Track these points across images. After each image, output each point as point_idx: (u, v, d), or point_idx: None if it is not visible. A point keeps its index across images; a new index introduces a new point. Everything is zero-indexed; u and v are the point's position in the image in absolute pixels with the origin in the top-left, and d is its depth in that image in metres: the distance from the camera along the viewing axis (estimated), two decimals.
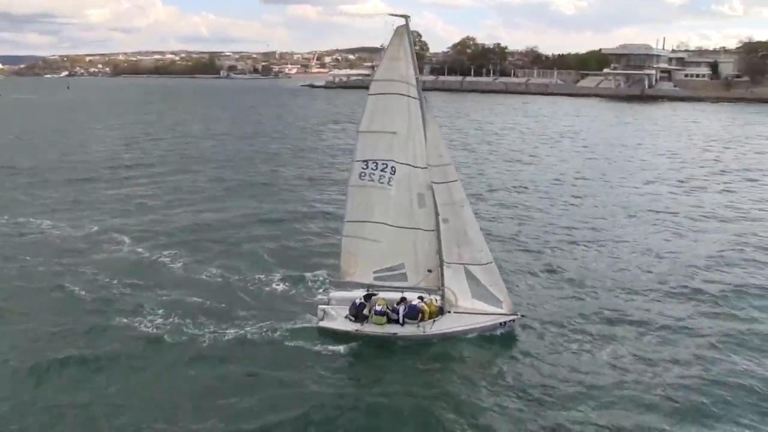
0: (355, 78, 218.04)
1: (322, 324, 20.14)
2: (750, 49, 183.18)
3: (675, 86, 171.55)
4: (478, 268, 19.63)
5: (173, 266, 27.51)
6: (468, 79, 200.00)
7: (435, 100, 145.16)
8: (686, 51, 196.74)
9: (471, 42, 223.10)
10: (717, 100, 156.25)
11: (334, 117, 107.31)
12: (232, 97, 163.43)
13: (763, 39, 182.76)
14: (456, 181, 19.06)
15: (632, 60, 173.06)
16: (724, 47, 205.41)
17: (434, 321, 19.70)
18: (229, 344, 19.95)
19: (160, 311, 22.16)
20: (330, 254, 26.05)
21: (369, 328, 19.75)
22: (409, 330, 19.56)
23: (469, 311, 20.02)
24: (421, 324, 19.57)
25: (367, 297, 20.28)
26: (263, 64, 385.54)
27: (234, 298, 23.44)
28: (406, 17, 17.83)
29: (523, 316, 20.93)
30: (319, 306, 20.82)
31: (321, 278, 24.65)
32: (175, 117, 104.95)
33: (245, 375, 18.28)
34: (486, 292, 19.94)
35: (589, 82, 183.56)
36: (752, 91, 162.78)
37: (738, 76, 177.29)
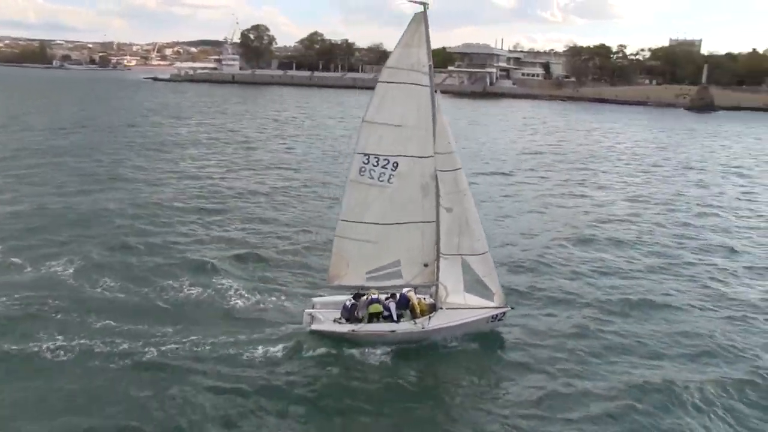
0: (201, 71, 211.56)
1: (315, 327, 18.84)
2: (574, 52, 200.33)
3: (514, 84, 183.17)
4: (474, 258, 19.24)
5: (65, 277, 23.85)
6: (317, 74, 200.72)
7: (285, 95, 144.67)
8: (522, 52, 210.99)
9: (319, 38, 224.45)
10: (550, 98, 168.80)
11: (199, 108, 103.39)
12: (72, 88, 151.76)
13: (584, 44, 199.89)
14: (460, 169, 18.68)
15: (475, 59, 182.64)
16: (553, 50, 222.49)
17: (430, 317, 18.92)
18: (203, 357, 18.17)
19: (60, 336, 18.81)
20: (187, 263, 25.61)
21: (365, 328, 18.70)
22: (407, 326, 18.75)
23: (460, 306, 19.43)
24: (417, 321, 18.81)
25: (357, 296, 19.18)
26: (100, 54, 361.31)
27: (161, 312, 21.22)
28: (424, 4, 17.23)
29: (512, 308, 20.70)
30: (306, 311, 19.34)
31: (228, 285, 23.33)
32: (13, 109, 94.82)
33: (231, 389, 16.84)
34: (479, 284, 19.61)
35: (435, 79, 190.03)
36: (578, 90, 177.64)
37: (567, 77, 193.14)
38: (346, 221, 18.68)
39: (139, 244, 28.07)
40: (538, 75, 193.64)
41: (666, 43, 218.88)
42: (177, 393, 16.31)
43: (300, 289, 23.38)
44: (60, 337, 18.57)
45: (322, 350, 18.42)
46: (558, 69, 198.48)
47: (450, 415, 16.22)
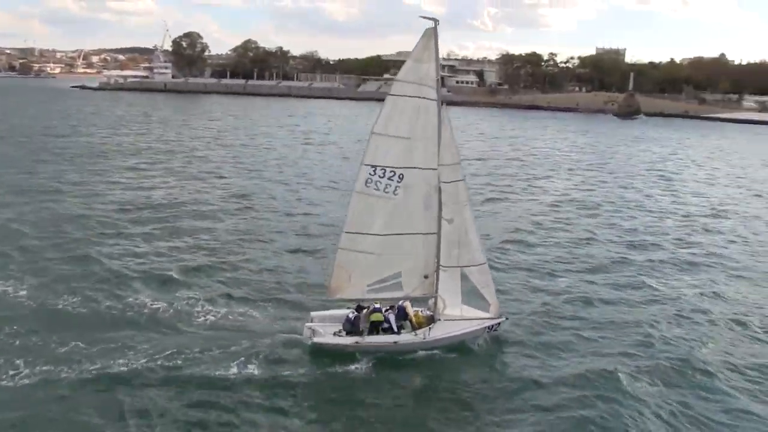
0: (132, 79, 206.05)
1: (318, 340, 18.92)
2: (507, 60, 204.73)
3: (449, 92, 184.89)
4: (473, 268, 19.88)
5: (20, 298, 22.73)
6: (251, 82, 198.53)
7: (221, 104, 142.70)
8: (456, 59, 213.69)
9: (253, 45, 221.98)
10: (485, 105, 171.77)
11: (133, 118, 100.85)
12: None
13: (516, 52, 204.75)
14: (463, 180, 19.30)
15: None
16: (486, 57, 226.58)
17: (430, 328, 19.36)
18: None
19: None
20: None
21: (367, 340, 19.00)
22: (408, 338, 19.15)
23: (458, 318, 20.00)
24: (418, 332, 19.23)
25: (359, 309, 19.56)
26: (21, 61, 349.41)
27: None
28: (435, 20, 17.53)
29: (507, 318, 21.29)
30: (305, 324, 19.41)
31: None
32: None
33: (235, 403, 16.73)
34: (476, 295, 20.30)
35: (369, 87, 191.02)
36: (511, 97, 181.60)
37: (500, 84, 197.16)
38: (351, 233, 18.82)
39: (95, 257, 27.42)
40: (472, 82, 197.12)
41: (593, 52, 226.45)
42: (157, 412, 16.05)
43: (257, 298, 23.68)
44: (20, 363, 17.79)
45: (320, 362, 18.51)
46: (491, 76, 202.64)
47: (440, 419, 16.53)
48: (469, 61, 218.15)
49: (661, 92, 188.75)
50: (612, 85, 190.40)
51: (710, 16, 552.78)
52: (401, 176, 18.12)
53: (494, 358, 19.90)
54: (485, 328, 20.29)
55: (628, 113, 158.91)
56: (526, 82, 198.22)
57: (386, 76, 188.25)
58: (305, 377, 17.86)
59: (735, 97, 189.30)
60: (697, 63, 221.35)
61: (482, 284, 20.13)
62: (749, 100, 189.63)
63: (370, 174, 18.29)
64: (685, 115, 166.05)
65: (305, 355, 18.89)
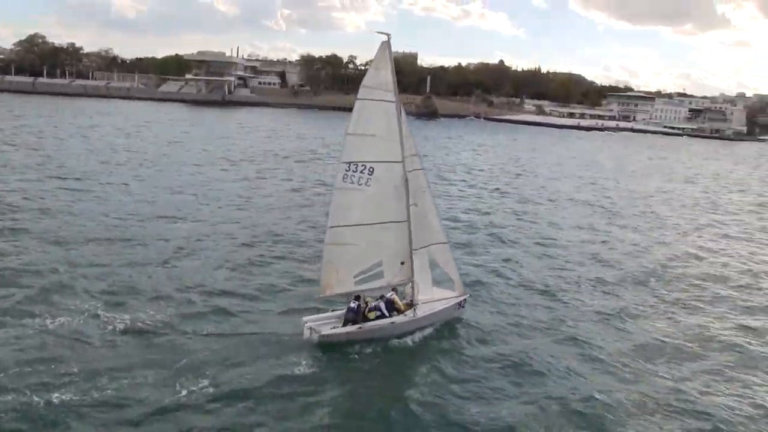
0: None
1: (325, 332, 19.85)
2: (308, 62, 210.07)
3: (252, 93, 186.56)
4: (436, 247, 21.92)
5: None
6: (41, 80, 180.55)
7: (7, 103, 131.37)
8: (258, 60, 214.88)
9: (40, 40, 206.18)
10: (288, 106, 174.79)
11: None
12: None
13: (309, 53, 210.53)
14: (422, 169, 21.35)
15: (213, 67, 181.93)
16: (286, 58, 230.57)
17: (414, 310, 21.19)
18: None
19: None
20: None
21: (368, 325, 20.33)
22: (401, 318, 20.87)
23: (431, 300, 21.87)
24: (407, 313, 21.05)
25: (357, 298, 20.79)
26: None
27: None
28: (388, 35, 19.50)
29: (470, 295, 23.43)
30: (306, 326, 20.04)
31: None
32: None
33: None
34: (442, 274, 22.59)
35: (170, 87, 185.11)
36: (313, 98, 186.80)
37: (302, 86, 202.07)
38: (334, 227, 20.16)
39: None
40: (274, 84, 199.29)
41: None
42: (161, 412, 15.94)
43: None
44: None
45: (319, 358, 19.15)
46: (293, 78, 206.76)
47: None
48: (272, 63, 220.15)
49: (453, 95, 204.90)
50: (409, 87, 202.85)
51: (487, 26, 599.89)
52: (372, 169, 19.72)
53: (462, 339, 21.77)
54: (456, 304, 22.44)
55: (427, 114, 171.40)
56: (327, 84, 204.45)
57: (188, 76, 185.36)
58: (310, 372, 18.45)
59: (517, 100, 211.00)
60: (484, 68, 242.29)
61: (445, 263, 22.34)
62: (529, 104, 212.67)
63: (346, 170, 19.80)
64: (476, 117, 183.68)
65: (307, 353, 19.37)
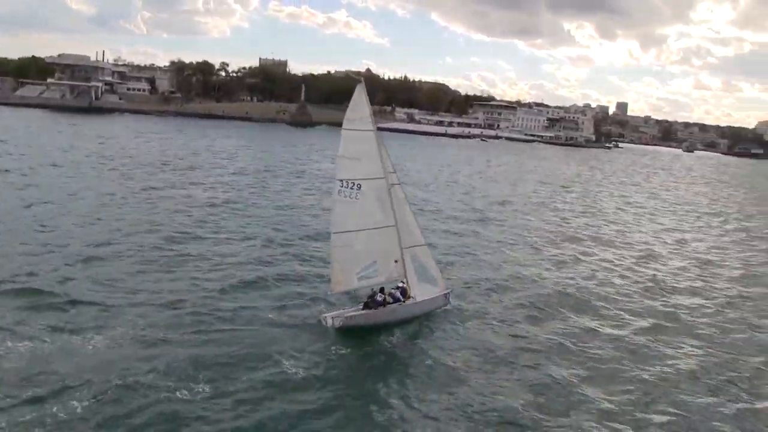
0: None
1: (349, 314, 23.28)
2: (179, 68, 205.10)
3: (120, 99, 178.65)
4: (417, 249, 25.44)
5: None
6: None
7: None
8: (126, 65, 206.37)
9: None
10: (160, 113, 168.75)
11: None
12: None
13: (171, 59, 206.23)
14: (399, 184, 24.98)
15: (78, 71, 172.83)
16: (154, 64, 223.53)
17: (415, 297, 24.92)
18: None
19: None
20: None
21: (384, 310, 23.90)
22: (409, 303, 24.68)
23: (423, 293, 25.49)
24: (409, 301, 24.69)
25: (381, 290, 24.19)
26: None
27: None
28: (361, 80, 23.50)
29: (452, 290, 26.88)
30: (328, 316, 23.17)
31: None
32: None
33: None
34: (425, 271, 25.68)
35: (30, 92, 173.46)
36: (184, 105, 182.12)
37: (173, 92, 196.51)
38: (335, 232, 23.52)
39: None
40: (144, 90, 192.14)
41: (256, 62, 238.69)
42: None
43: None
44: None
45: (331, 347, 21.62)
46: (164, 84, 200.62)
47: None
48: (140, 68, 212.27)
49: (326, 102, 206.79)
50: (281, 95, 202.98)
51: (352, 35, 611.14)
52: (359, 185, 23.35)
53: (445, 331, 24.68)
54: (443, 296, 26.16)
55: (303, 122, 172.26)
56: (198, 91, 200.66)
57: (50, 80, 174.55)
58: (326, 360, 20.85)
59: (389, 108, 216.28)
60: (355, 76, 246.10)
61: (427, 261, 25.86)
62: (400, 112, 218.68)
63: (340, 186, 23.47)
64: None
65: (325, 341, 22.09)
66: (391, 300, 24.33)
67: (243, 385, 18.65)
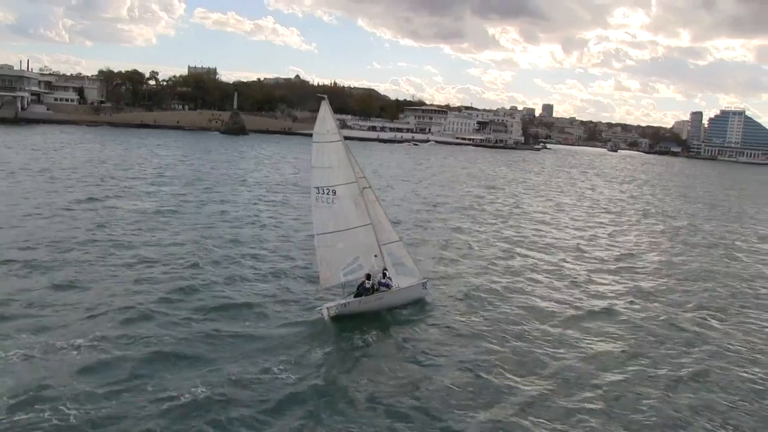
0: None
1: (340, 311, 24.96)
2: (108, 77, 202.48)
3: (48, 110, 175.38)
4: (392, 245, 27.66)
5: None
6: None
7: None
8: (53, 75, 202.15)
9: None
10: (90, 123, 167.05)
11: None
12: None
13: (97, 67, 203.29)
14: (369, 187, 27.05)
15: (3, 81, 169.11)
16: (81, 73, 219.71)
17: (398, 285, 27.00)
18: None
19: None
20: None
21: (374, 296, 25.99)
22: (394, 289, 26.64)
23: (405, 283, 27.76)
24: (393, 288, 26.74)
25: (368, 277, 26.10)
26: None
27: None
28: (323, 97, 25.54)
29: (428, 279, 28.95)
30: (325, 307, 25.02)
31: None
32: None
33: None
34: (402, 265, 27.95)
35: None
36: (113, 115, 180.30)
37: (103, 102, 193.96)
38: (318, 234, 25.88)
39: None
40: (73, 100, 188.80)
41: (185, 70, 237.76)
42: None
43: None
44: None
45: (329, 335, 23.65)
46: (93, 94, 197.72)
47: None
48: (68, 77, 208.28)
49: (258, 110, 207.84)
50: (213, 103, 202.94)
51: (279, 41, 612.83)
52: (334, 191, 25.44)
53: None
54: (422, 284, 28.21)
55: (235, 130, 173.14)
56: (128, 100, 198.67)
57: None
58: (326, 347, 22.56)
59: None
60: (287, 84, 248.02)
61: (403, 256, 28.23)
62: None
63: (316, 193, 25.66)
64: (284, 132, 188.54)
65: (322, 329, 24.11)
66: (378, 287, 26.80)
67: (238, 378, 19.26)
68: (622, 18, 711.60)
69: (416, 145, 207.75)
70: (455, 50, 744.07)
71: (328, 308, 25.07)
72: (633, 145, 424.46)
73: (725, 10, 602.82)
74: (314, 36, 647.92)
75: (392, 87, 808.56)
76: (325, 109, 25.86)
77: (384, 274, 26.90)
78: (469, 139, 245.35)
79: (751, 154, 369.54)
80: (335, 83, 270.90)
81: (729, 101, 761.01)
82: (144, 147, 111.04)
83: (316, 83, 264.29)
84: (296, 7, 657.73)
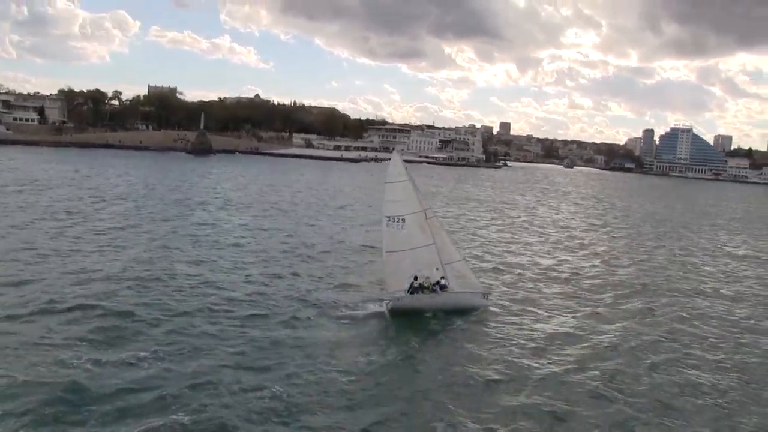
0: None
1: (399, 305, 29.09)
2: (69, 96, 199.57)
3: (8, 130, 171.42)
4: (456, 264, 31.40)
5: None
6: None
7: None
8: (11, 94, 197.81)
9: None
10: (52, 144, 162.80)
11: None
12: None
13: (48, 85, 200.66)
14: (435, 216, 32.12)
15: None
16: (38, 92, 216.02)
17: (454, 289, 30.71)
18: None
19: None
20: None
21: (428, 295, 29.68)
22: (453, 291, 30.40)
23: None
24: (443, 292, 30.17)
25: (415, 278, 29.68)
26: None
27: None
28: (395, 149, 29.15)
29: (490, 293, 32.43)
30: (385, 302, 29.56)
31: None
32: None
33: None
34: (464, 277, 31.49)
35: None
36: (77, 136, 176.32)
37: (65, 122, 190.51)
38: (388, 251, 30.26)
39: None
40: (33, 120, 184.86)
41: (144, 89, 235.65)
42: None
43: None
44: None
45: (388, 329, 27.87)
46: (54, 113, 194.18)
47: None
48: (27, 97, 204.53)
49: (223, 130, 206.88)
50: (177, 123, 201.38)
51: (237, 60, 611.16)
52: (403, 219, 30.16)
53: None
54: (481, 294, 31.67)
55: (202, 150, 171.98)
56: (89, 120, 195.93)
57: None
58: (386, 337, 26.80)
59: (286, 134, 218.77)
60: (249, 103, 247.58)
61: (466, 272, 31.99)
62: (297, 137, 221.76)
63: (388, 221, 30.20)
64: (251, 152, 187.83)
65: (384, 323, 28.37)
66: (435, 287, 30.20)
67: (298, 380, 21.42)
68: (574, 38, 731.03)
69: (378, 162, 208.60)
70: (412, 69, 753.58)
71: (386, 303, 29.33)
72: (589, 162, 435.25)
73: (668, 32, 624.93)
74: (271, 54, 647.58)
75: (350, 105, 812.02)
76: (395, 156, 31.67)
77: (442, 278, 30.30)
78: (433, 158, 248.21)
79: (698, 170, 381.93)
80: (295, 102, 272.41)
81: (676, 119, 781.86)
82: (114, 167, 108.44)
83: (275, 102, 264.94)
84: (253, 26, 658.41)
